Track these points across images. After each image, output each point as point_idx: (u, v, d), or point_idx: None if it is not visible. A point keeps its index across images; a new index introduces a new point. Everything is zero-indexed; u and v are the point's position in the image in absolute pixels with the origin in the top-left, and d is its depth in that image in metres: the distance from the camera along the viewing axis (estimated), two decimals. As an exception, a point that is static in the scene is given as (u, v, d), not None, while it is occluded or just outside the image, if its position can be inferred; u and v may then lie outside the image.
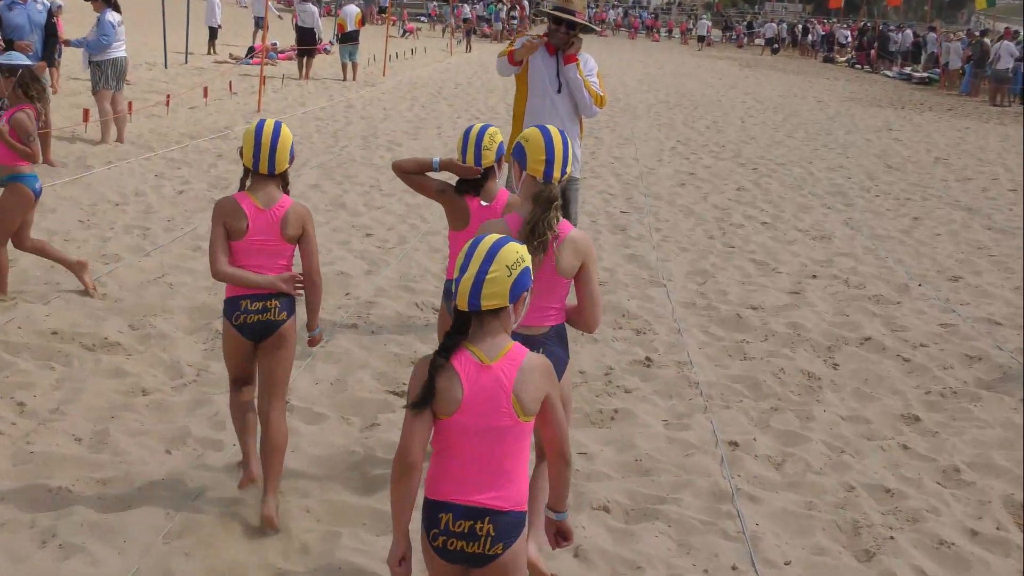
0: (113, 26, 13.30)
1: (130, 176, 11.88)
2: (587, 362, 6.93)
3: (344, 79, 24.45)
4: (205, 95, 18.21)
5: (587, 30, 7.24)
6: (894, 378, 7.08)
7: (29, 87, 7.40)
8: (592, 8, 69.52)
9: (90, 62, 13.59)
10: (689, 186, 13.95)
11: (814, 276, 9.62)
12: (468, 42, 41.98)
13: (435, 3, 61.83)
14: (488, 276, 3.05)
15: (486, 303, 3.07)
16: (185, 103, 17.93)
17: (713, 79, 34.18)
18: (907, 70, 40.63)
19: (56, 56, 15.81)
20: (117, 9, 13.51)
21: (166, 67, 23.25)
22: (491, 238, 3.13)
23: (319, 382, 6.33)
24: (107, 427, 5.50)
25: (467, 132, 5.17)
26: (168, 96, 17.13)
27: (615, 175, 14.43)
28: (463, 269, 3.09)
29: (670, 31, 69.12)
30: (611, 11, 72.25)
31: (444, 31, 49.49)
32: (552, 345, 4.06)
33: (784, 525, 4.98)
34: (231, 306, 4.61)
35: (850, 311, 8.57)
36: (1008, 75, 30.30)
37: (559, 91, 7.21)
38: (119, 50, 13.48)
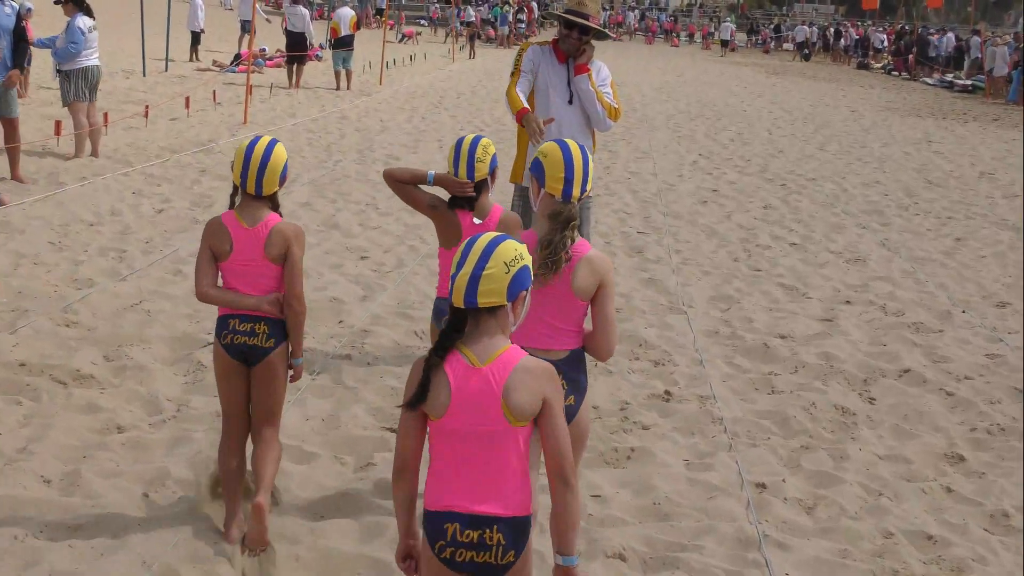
0: (83, 32, 13.27)
1: (105, 194, 11.94)
2: (601, 396, 6.93)
3: (337, 88, 24.57)
4: (187, 106, 18.32)
5: (601, 36, 7.21)
6: (936, 414, 7.06)
7: None
8: (607, 10, 69.82)
9: (58, 71, 13.60)
10: (712, 204, 13.97)
11: (848, 302, 9.62)
12: (472, 48, 42.17)
13: (436, 5, 62.15)
14: (485, 272, 3.18)
15: (483, 300, 3.19)
16: (165, 114, 18.02)
17: (737, 87, 34.28)
18: (949, 77, 40.71)
19: (25, 64, 15.90)
20: (89, 14, 13.49)
21: (144, 75, 23.39)
22: (488, 235, 3.26)
23: (309, 418, 6.34)
24: (79, 468, 5.50)
25: (459, 143, 5.30)
26: (147, 107, 17.23)
27: (631, 192, 14.46)
28: (459, 265, 3.22)
29: (691, 35, 69.40)
30: (629, 13, 72.49)
31: (447, 36, 49.69)
32: (571, 370, 4.17)
33: (816, 575, 4.97)
34: (220, 325, 4.82)
35: (887, 340, 8.57)
36: (1059, 82, 30.37)
37: (570, 102, 7.17)
38: (90, 58, 13.49)
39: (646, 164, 17.02)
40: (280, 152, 4.75)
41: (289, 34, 24.76)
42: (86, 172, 12.94)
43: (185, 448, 5.79)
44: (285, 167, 4.80)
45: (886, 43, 51.69)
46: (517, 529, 3.22)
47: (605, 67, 7.32)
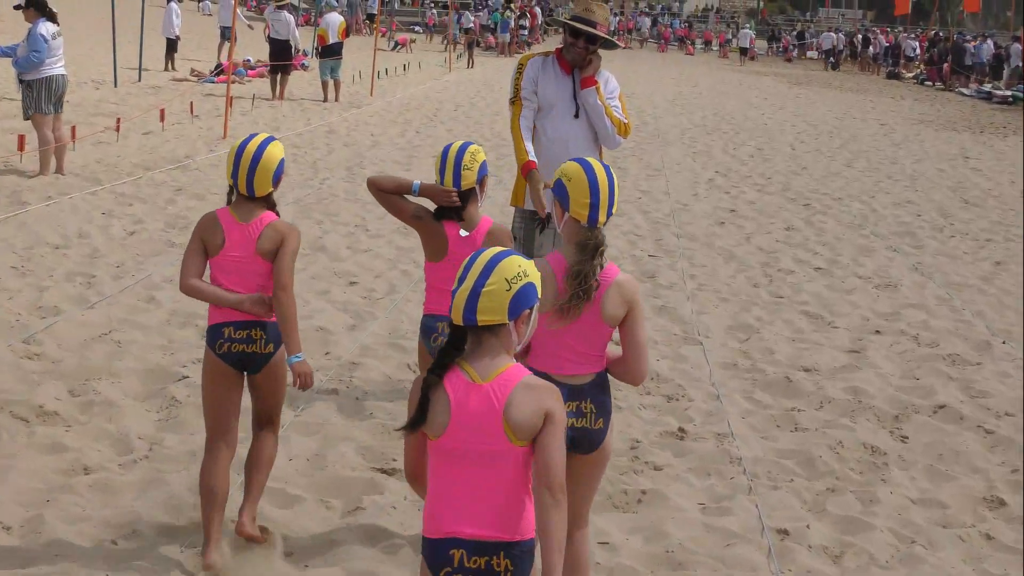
0: (46, 40, 13.26)
1: (73, 214, 11.97)
2: (609, 434, 6.92)
3: (325, 99, 24.65)
4: (162, 118, 18.38)
5: (609, 45, 7.21)
6: (974, 453, 7.06)
7: None
8: (616, 15, 70.09)
9: (20, 82, 13.62)
10: (730, 225, 14.00)
11: (878, 332, 9.63)
12: (470, 56, 42.33)
13: (433, 11, 62.34)
14: (485, 289, 3.31)
15: (482, 318, 3.33)
16: (138, 128, 18.08)
17: (757, 99, 34.40)
18: (987, 87, 40.86)
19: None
20: (53, 19, 13.49)
21: (116, 85, 23.48)
22: (492, 251, 3.40)
23: (293, 458, 6.33)
24: (41, 513, 5.50)
25: (446, 150, 5.43)
26: (118, 120, 17.29)
27: (642, 212, 14.49)
28: (460, 280, 3.36)
29: (707, 42, 69.67)
30: (642, 19, 72.65)
31: (443, 42, 49.83)
32: (598, 394, 4.34)
33: (844, 630, 4.96)
34: (213, 334, 4.99)
35: (921, 373, 8.57)
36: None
37: (576, 116, 7.15)
38: (55, 67, 13.51)
39: (658, 182, 17.06)
40: (274, 151, 4.94)
41: (272, 42, 24.85)
42: (51, 191, 12.97)
43: (158, 491, 5.78)
44: (280, 167, 4.98)
45: (918, 51, 51.86)
46: (524, 554, 3.36)
47: (613, 78, 7.32)
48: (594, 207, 4.24)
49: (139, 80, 25.11)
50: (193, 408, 6.88)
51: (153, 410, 6.94)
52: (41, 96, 13.47)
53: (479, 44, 48.53)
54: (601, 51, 7.22)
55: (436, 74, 35.84)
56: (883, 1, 77.84)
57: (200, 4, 59.81)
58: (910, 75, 49.23)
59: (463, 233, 5.39)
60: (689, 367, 8.38)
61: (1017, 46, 41.34)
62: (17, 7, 13.66)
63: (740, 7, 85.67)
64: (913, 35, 56.57)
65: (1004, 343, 9.51)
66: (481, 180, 5.45)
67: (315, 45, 28.24)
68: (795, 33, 68.55)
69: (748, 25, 67.94)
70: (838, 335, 9.46)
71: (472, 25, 48.59)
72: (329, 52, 24.99)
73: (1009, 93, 38.12)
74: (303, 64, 31.45)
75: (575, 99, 7.16)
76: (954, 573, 5.51)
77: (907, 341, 9.41)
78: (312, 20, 41.26)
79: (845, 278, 11.53)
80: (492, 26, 53.76)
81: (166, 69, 28.20)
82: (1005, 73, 41.99)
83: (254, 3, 61.55)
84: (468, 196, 5.42)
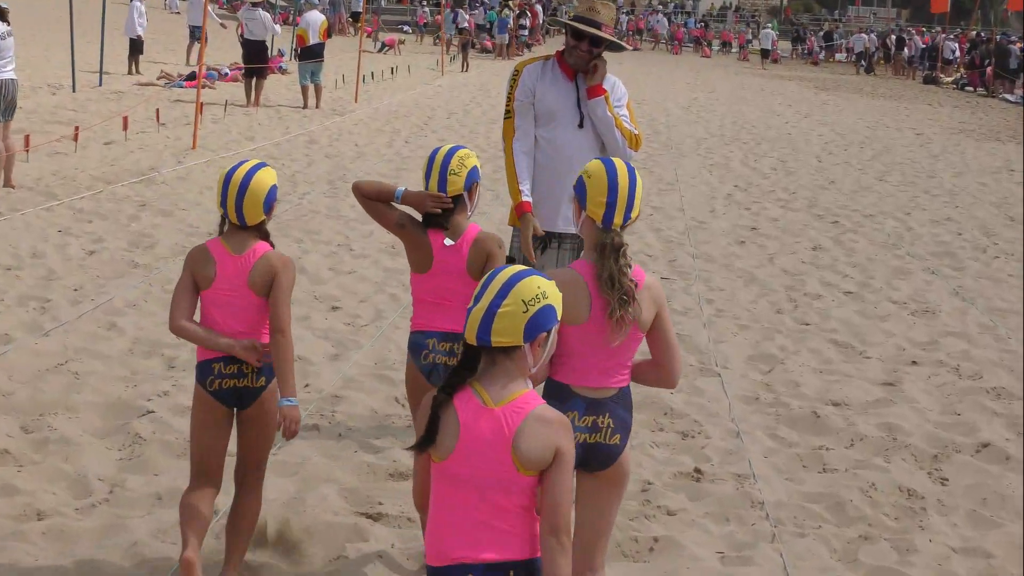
0: None
1: (25, 232, 11.98)
2: (618, 475, 6.91)
3: (304, 106, 24.72)
4: (125, 127, 18.41)
5: (615, 48, 7.20)
6: (1021, 497, 7.05)
7: None
8: (626, 13, 70.28)
9: None
10: (750, 244, 14.02)
11: (914, 363, 9.63)
12: (464, 58, 42.45)
13: (424, 9, 62.49)
14: (501, 310, 3.50)
15: (497, 339, 3.51)
16: (98, 137, 18.11)
17: (781, 105, 34.49)
18: (1033, 93, 40.96)
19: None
20: (3, 17, 13.57)
21: (74, 91, 23.53)
22: (511, 269, 3.59)
23: (271, 500, 6.32)
24: (-9, 561, 5.49)
25: (433, 154, 5.55)
26: (76, 128, 17.32)
27: (654, 230, 14.51)
28: (477, 299, 3.55)
29: (724, 44, 69.89)
30: (655, 18, 72.70)
31: (435, 43, 49.90)
32: (619, 408, 4.52)
33: None
34: (203, 371, 5.16)
35: (962, 408, 8.57)
36: None
37: (580, 125, 7.08)
38: (5, 70, 13.54)
39: (672, 197, 17.09)
40: (264, 177, 5.12)
41: (247, 43, 24.87)
42: (1, 206, 12.98)
43: (119, 538, 5.77)
44: (271, 194, 5.16)
45: (958, 53, 52.03)
46: (537, 571, 3.53)
47: (620, 83, 7.25)
48: (610, 206, 4.41)
49: (100, 85, 25.17)
50: (159, 446, 6.88)
51: (114, 448, 6.93)
52: (-11, 102, 13.52)
53: (474, 45, 48.65)
54: (606, 54, 7.18)
55: (427, 78, 35.93)
56: (919, -2, 78.12)
57: (167, 1, 60.04)
58: (949, 80, 49.36)
59: (448, 242, 5.46)
60: (706, 401, 8.38)
61: (1066, 48, 41.49)
62: None
63: (761, 5, 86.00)
64: (952, 36, 56.75)
65: (1054, 375, 9.52)
66: (470, 187, 5.49)
67: (294, 46, 28.31)
68: (822, 33, 68.78)
69: (770, 24, 68.12)
70: (870, 366, 9.47)
71: (467, 25, 48.66)
72: (309, 54, 25.02)
73: (1058, 100, 38.25)
74: (280, 67, 31.55)
75: (579, 107, 7.08)
76: (1000, 629, 5.50)
77: (947, 373, 9.41)
78: (291, 19, 41.35)
79: (878, 303, 11.53)
80: (488, 25, 53.87)
81: (130, 72, 28.28)
82: (1053, 78, 42.12)
83: (226, 0, 61.82)
84: (455, 204, 5.48)
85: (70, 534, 5.83)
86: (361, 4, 42.97)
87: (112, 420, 7.31)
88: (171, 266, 10.86)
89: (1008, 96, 41.93)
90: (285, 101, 25.60)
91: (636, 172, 4.52)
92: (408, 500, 6.14)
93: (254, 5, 25.11)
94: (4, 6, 13.78)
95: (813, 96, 39.40)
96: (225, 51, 34.49)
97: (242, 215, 5.12)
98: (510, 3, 54.92)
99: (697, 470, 7.12)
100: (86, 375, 8.02)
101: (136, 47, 28.73)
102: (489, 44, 52.01)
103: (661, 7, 79.11)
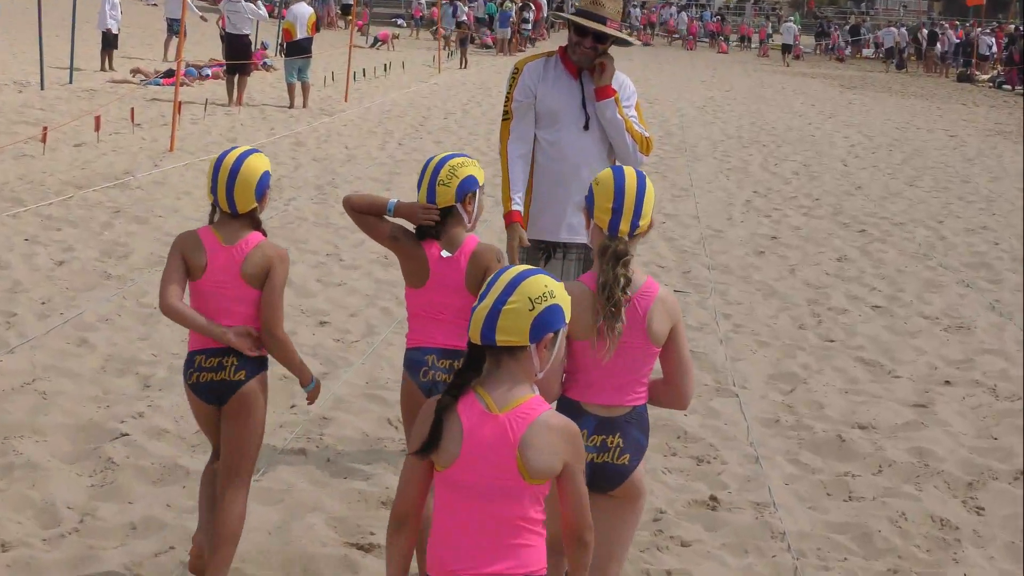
0: None
1: (-9, 241, 12.00)
2: (628, 504, 6.92)
3: (291, 105, 24.75)
4: (97, 127, 18.43)
5: (621, 43, 7.17)
6: (1062, 527, 7.05)
7: None
8: (635, 7, 70.34)
9: None
10: (771, 255, 14.03)
11: (947, 383, 9.63)
12: (463, 55, 42.49)
13: (420, 1, 62.44)
14: (506, 307, 3.62)
15: (501, 337, 3.62)
16: (69, 139, 18.13)
17: (803, 105, 34.53)
18: (1075, 92, 40.96)
19: None
20: None
21: (43, 88, 23.57)
22: (518, 268, 3.73)
23: (254, 530, 6.32)
24: (-48, 595, 5.49)
25: (427, 162, 5.63)
26: (45, 129, 17.33)
27: (667, 240, 14.52)
28: (482, 298, 3.67)
29: (743, 38, 69.96)
30: (669, 11, 72.66)
31: (433, 37, 49.92)
32: (631, 428, 4.61)
33: None
34: (187, 363, 5.37)
35: (999, 432, 8.56)
36: None
37: (586, 127, 7.06)
38: None
39: (686, 204, 17.11)
40: (255, 163, 5.27)
41: (229, 37, 24.81)
42: (-34, 213, 13.00)
43: (89, 571, 5.77)
44: (263, 180, 5.30)
45: (995, 48, 52.06)
46: None
47: (629, 80, 7.22)
48: (616, 212, 4.53)
49: (70, 82, 25.20)
50: (132, 471, 6.89)
51: (85, 474, 6.93)
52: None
53: (473, 40, 48.66)
54: (613, 49, 7.14)
55: (423, 76, 35.99)
56: (952, -10, 78.21)
57: (143, -8, 60.15)
58: (985, 77, 49.39)
59: (444, 254, 5.52)
60: (723, 424, 8.38)
61: (1111, 43, 41.52)
62: None
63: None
64: (989, 29, 56.81)
65: (1098, 396, 9.51)
66: (464, 197, 5.51)
67: (279, 41, 28.34)
68: (848, 27, 68.83)
69: (792, 18, 68.28)
70: (900, 386, 9.46)
71: (465, 18, 48.67)
72: (296, 49, 25.03)
73: (1102, 99, 38.23)
74: (265, 62, 31.55)
75: (584, 108, 7.07)
76: (1039, 670, 5.50)
77: (983, 394, 9.41)
78: (276, 11, 41.40)
79: (908, 318, 11.54)
80: (487, 19, 53.81)
81: (103, 69, 28.33)
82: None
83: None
84: (448, 214, 5.53)
85: (37, 567, 5.82)
86: (352, -4, 42.98)
87: (82, 444, 7.31)
88: (146, 277, 10.88)
89: (1048, 95, 41.97)
90: (270, 100, 25.63)
91: (647, 178, 4.61)
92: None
93: (236, -4, 25.09)
94: None
95: (838, 95, 39.43)
96: (205, 45, 34.55)
97: (233, 201, 5.25)
98: (512, -5, 54.94)
99: (713, 498, 7.12)
100: (54, 395, 8.02)
101: (109, 41, 28.75)
102: (490, 39, 51.98)
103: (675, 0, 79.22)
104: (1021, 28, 52.71)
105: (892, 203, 18.28)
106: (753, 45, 67.63)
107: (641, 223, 4.57)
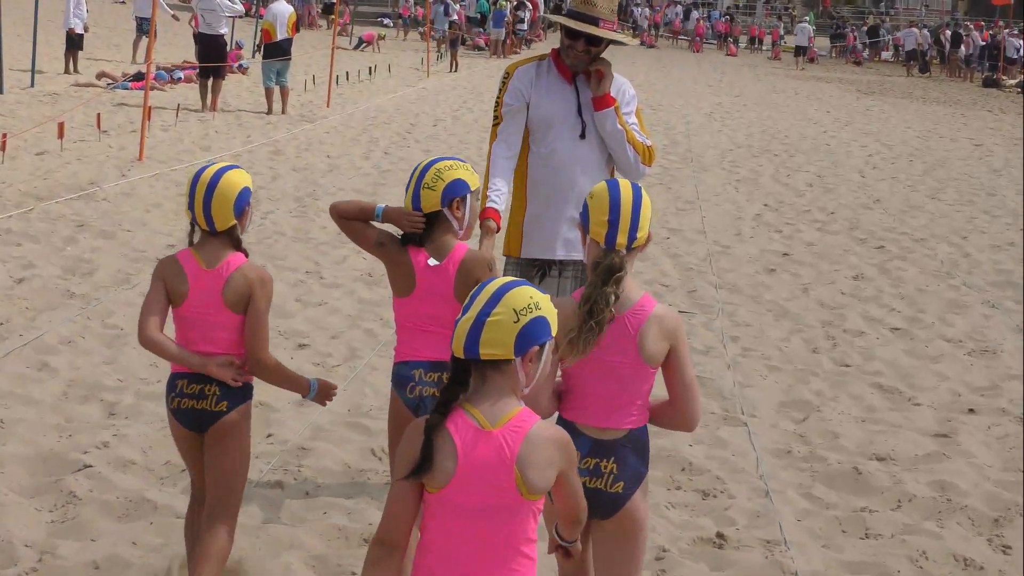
0: None
1: (-55, 256, 11.98)
2: (629, 541, 6.91)
3: (269, 111, 24.76)
4: (60, 134, 18.40)
5: (618, 43, 7.14)
6: (1094, 567, 7.05)
7: None
8: (638, 6, 70.46)
9: None
10: (782, 273, 14.04)
11: (971, 411, 9.63)
12: (453, 57, 42.53)
13: (409, 0, 62.46)
14: (490, 319, 3.70)
15: (485, 351, 3.70)
16: (30, 147, 18.13)
17: (818, 112, 34.59)
18: (1108, 99, 41.05)
19: None
20: None
21: (1, 92, 23.55)
22: (502, 279, 3.82)
23: (226, 571, 6.30)
24: (-99, 640, 5.48)
25: (415, 167, 5.72)
26: (4, 136, 17.31)
27: (671, 256, 14.53)
28: (465, 310, 3.76)
29: (753, 40, 70.10)
30: (674, 10, 72.77)
31: (422, 39, 49.95)
32: (624, 453, 4.66)
33: None
34: (169, 386, 5.46)
35: (1027, 464, 8.57)
36: None
37: (582, 136, 7.05)
38: None
39: (691, 218, 17.12)
40: (234, 178, 5.35)
41: (203, 38, 24.80)
42: (-81, 226, 13.00)
43: (49, 613, 5.76)
44: (243, 196, 5.36)
45: (1023, 51, 52.15)
46: None
47: (628, 84, 7.19)
48: (612, 225, 4.62)
49: (32, 85, 25.20)
50: (96, 506, 6.87)
51: (44, 509, 6.91)
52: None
53: (465, 42, 48.68)
54: (612, 48, 7.10)
55: (410, 79, 36.03)
56: (977, -11, 78.42)
57: (111, -11, 60.21)
58: (1013, 82, 49.50)
59: (432, 262, 5.58)
60: (730, 455, 8.37)
61: None
62: None
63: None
64: (1016, 31, 56.93)
65: None
66: (452, 202, 5.57)
67: (257, 42, 28.37)
68: (866, 28, 68.98)
69: (806, 19, 68.40)
70: (921, 415, 9.47)
71: (456, 18, 48.66)
72: (275, 51, 25.02)
73: None
74: (240, 64, 31.57)
75: (580, 115, 7.05)
76: None
77: (1009, 423, 9.41)
78: (254, 10, 41.44)
79: (930, 341, 11.54)
80: (480, 18, 53.76)
81: (67, 71, 28.32)
82: None
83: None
84: (435, 221, 5.59)
85: (-7, 608, 5.82)
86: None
87: (42, 476, 7.30)
88: (112, 296, 10.87)
89: (1080, 102, 42.06)
90: (247, 105, 25.65)
91: (642, 190, 4.71)
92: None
93: (211, -6, 25.07)
94: None
95: (855, 101, 39.50)
96: (177, 46, 34.60)
97: (211, 218, 5.32)
98: (506, -7, 55.03)
99: (720, 535, 7.12)
100: (12, 423, 8.01)
101: (74, 42, 28.71)
102: (483, 40, 51.97)
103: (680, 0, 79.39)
104: (1051, 30, 52.88)
105: (913, 217, 18.30)
106: (764, 47, 67.81)
107: (639, 235, 4.66)
